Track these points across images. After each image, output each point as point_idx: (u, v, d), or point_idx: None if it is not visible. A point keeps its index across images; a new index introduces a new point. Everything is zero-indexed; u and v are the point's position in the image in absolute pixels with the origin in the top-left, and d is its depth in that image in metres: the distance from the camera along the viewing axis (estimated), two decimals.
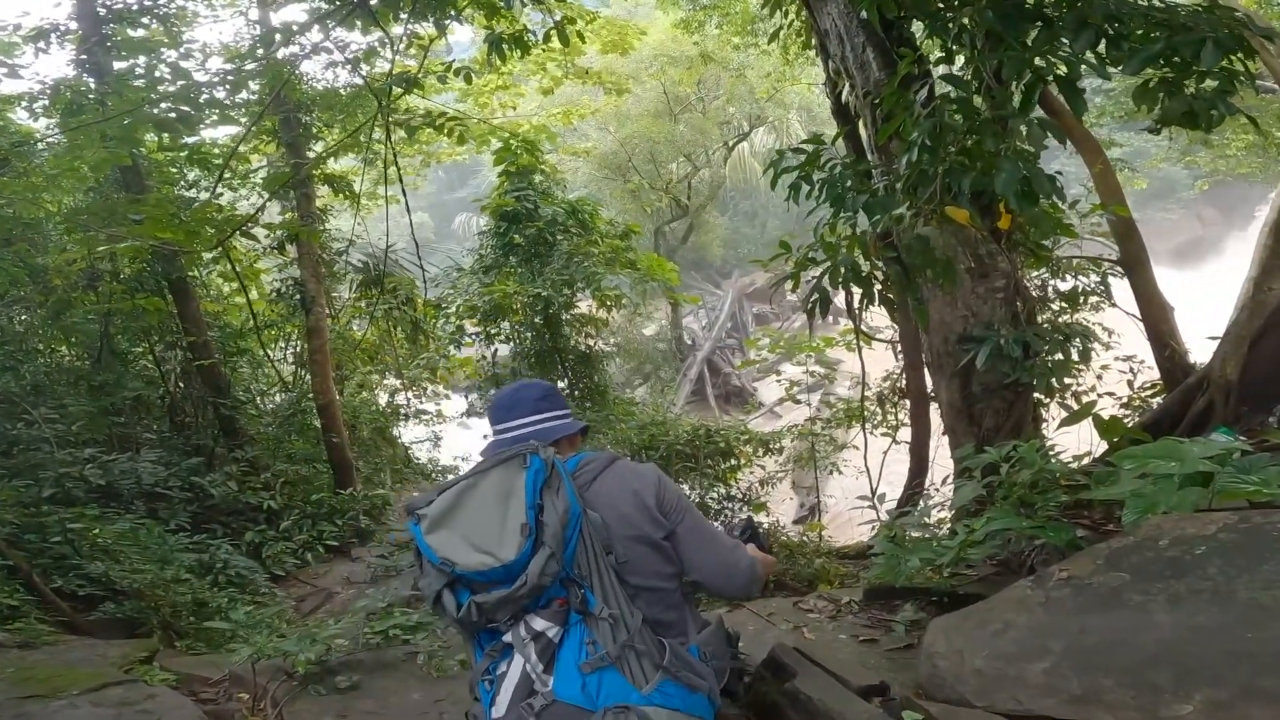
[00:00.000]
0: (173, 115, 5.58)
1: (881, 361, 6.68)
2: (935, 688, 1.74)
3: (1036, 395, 4.28)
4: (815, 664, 1.93)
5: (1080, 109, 3.31)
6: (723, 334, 21.58)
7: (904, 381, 5.98)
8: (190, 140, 6.66)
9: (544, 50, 12.78)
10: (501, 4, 5.94)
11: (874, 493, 6.12)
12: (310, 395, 8.77)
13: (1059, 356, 3.95)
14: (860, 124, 5.11)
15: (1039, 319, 4.33)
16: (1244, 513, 2.06)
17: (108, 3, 7.14)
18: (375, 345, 11.20)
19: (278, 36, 8.48)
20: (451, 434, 13.07)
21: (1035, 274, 4.68)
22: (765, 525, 5.84)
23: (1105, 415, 3.60)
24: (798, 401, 7.04)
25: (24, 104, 6.68)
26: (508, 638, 1.50)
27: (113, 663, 2.64)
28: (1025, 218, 3.22)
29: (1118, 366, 5.37)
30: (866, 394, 6.19)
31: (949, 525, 3.38)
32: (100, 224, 5.21)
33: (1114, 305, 5.19)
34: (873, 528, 6.91)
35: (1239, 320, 4.35)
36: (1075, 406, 4.75)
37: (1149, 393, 5.44)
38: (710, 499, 6.28)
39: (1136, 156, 17.73)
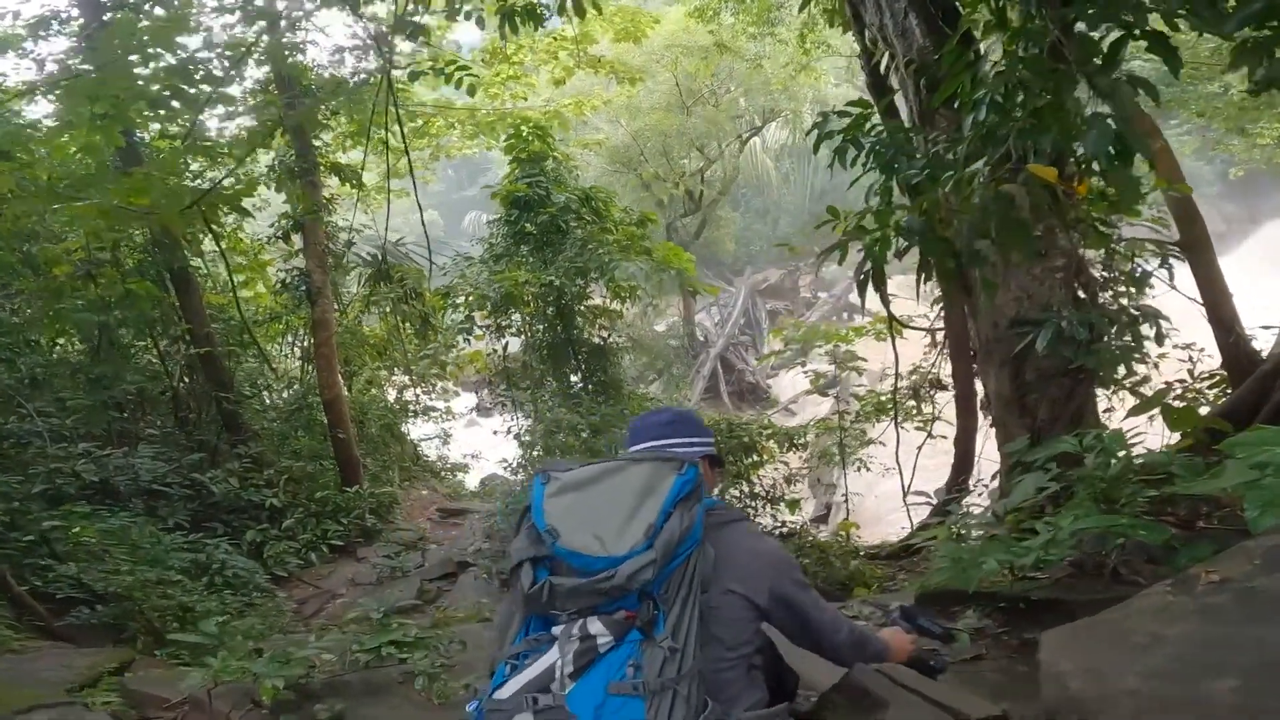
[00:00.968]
0: (167, 94, 5.32)
1: (911, 354, 6.32)
2: (1073, 713, 1.40)
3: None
4: (913, 690, 1.58)
5: (1176, 67, 2.95)
6: (736, 330, 21.22)
7: (939, 372, 5.62)
8: (190, 124, 6.36)
9: (555, 39, 12.60)
10: None
11: (906, 490, 5.78)
12: (316, 390, 8.50)
13: (1128, 340, 3.59)
14: (901, 95, 4.78)
15: (1102, 300, 3.96)
16: None
17: None
18: (384, 340, 10.95)
19: (283, 22, 8.25)
20: (460, 432, 12.82)
21: (1094, 255, 4.31)
22: (798, 525, 5.49)
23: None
24: (824, 394, 6.68)
25: (26, 97, 6.46)
26: (556, 630, 1.37)
27: (78, 674, 2.33)
28: (1113, 182, 2.85)
29: (1175, 355, 4.98)
30: (898, 387, 5.84)
31: (1009, 525, 3.02)
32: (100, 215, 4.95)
33: (1174, 289, 4.81)
34: (903, 529, 6.56)
35: None
36: (1131, 398, 4.39)
37: (1209, 383, 5.06)
38: (731, 496, 5.95)
39: None
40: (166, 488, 6.27)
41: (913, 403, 5.88)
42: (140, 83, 5.52)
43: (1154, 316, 3.70)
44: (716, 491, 1.81)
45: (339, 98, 8.67)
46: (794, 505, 5.83)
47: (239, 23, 6.58)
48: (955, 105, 3.35)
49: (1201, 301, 4.98)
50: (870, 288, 2.80)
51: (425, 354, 10.35)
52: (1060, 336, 3.55)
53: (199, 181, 8.29)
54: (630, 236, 8.10)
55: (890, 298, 5.21)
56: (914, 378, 5.87)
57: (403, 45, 8.90)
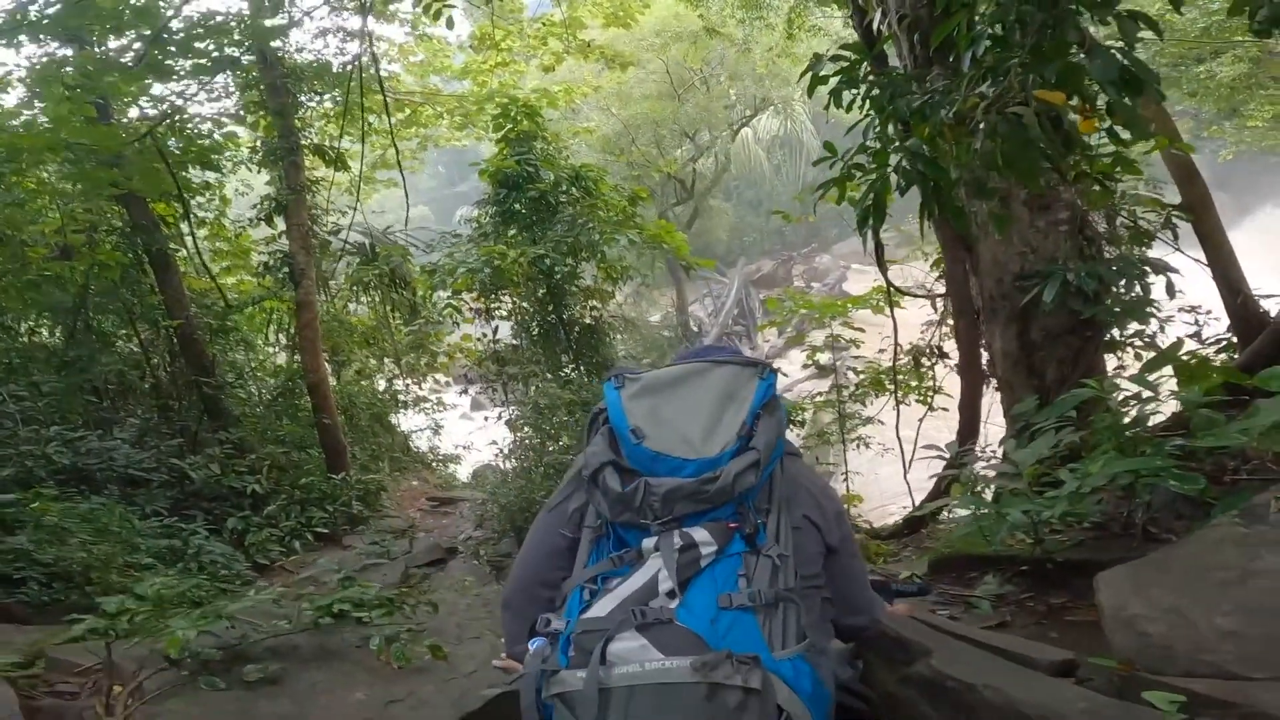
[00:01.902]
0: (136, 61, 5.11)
1: (907, 327, 6.16)
2: (1156, 660, 1.22)
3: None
4: (959, 637, 1.39)
5: (1177, 2, 2.82)
6: (729, 321, 21.08)
7: (939, 338, 5.46)
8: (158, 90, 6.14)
9: (544, 24, 12.41)
10: None
11: (907, 466, 5.62)
12: (300, 375, 8.29)
13: (1138, 293, 3.44)
14: (895, 54, 4.65)
15: (1107, 255, 3.82)
16: None
17: None
18: (371, 328, 10.74)
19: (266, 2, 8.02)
20: (452, 424, 12.62)
21: (1095, 212, 4.17)
22: None
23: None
24: (821, 367, 6.52)
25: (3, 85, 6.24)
26: (649, 543, 1.20)
27: (15, 650, 2.13)
28: (1120, 118, 2.70)
29: (1182, 318, 4.84)
30: (897, 359, 5.68)
31: (1029, 478, 2.85)
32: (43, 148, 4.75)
33: (1179, 250, 4.67)
34: (905, 508, 6.40)
35: None
36: (1139, 360, 4.25)
37: (1216, 347, 4.92)
38: None
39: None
40: (145, 474, 6.06)
41: (913, 379, 5.71)
42: (113, 54, 5.32)
43: (1164, 269, 3.56)
44: None
45: (321, 80, 8.49)
46: None
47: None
48: (951, 56, 3.22)
49: (1206, 262, 4.85)
50: (870, 229, 2.63)
51: (411, 330, 10.13)
52: (1068, 289, 3.40)
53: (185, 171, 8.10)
54: (621, 212, 7.92)
55: (888, 264, 5.08)
56: (913, 346, 5.70)
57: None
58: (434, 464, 11.29)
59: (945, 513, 4.24)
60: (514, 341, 8.62)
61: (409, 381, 11.18)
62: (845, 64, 3.18)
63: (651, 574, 1.16)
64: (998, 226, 2.99)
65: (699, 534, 1.18)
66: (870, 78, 3.30)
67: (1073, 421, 2.68)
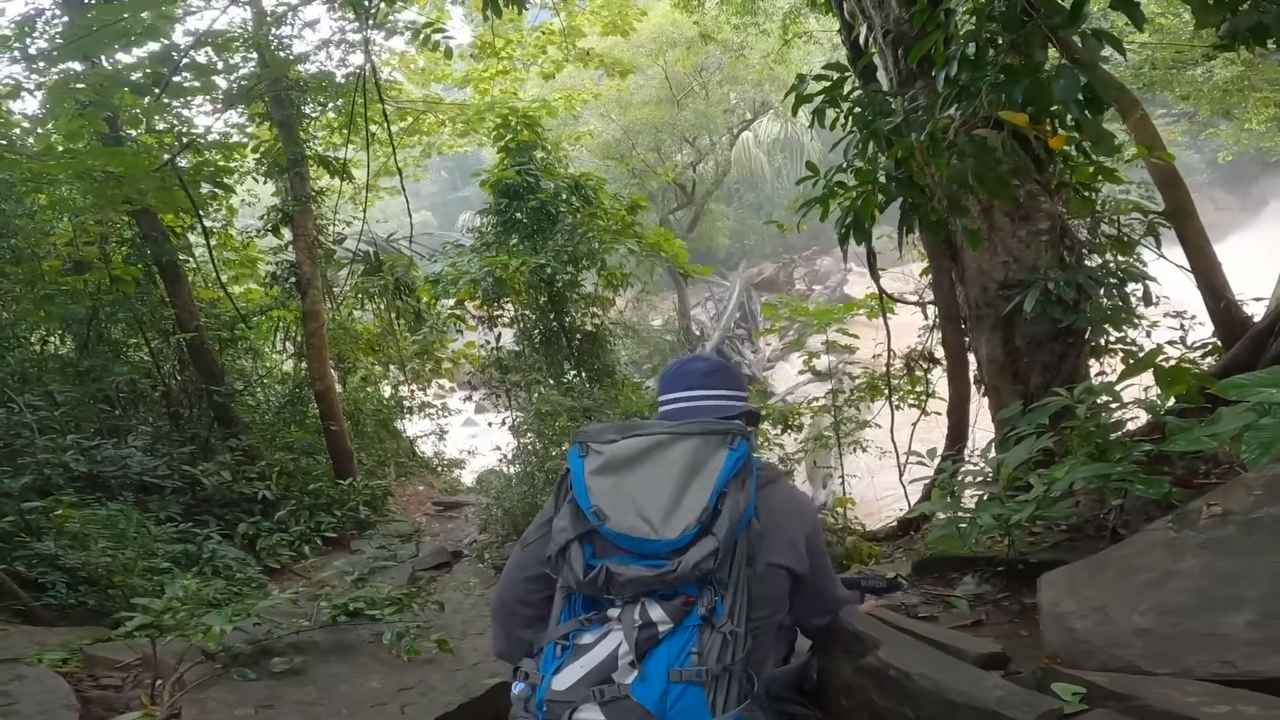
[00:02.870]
0: (151, 82, 5.26)
1: (904, 333, 6.28)
2: (1078, 655, 1.35)
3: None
4: (906, 631, 1.54)
5: (1139, 20, 2.96)
6: (731, 324, 21.20)
7: (932, 344, 5.58)
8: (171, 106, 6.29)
9: (543, 33, 12.58)
10: None
11: (902, 469, 5.73)
12: (308, 383, 8.45)
13: (1117, 301, 3.56)
14: (881, 68, 4.78)
15: (1088, 264, 3.94)
16: None
17: None
18: (377, 336, 10.91)
19: (268, 16, 8.19)
20: (457, 429, 12.76)
21: (1078, 221, 4.29)
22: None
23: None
24: (817, 373, 6.64)
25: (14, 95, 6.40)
26: (614, 613, 1.33)
27: (48, 649, 2.28)
28: (1086, 133, 2.84)
29: (1167, 323, 4.95)
30: (891, 364, 5.80)
31: (1004, 482, 2.98)
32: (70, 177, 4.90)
33: (1162, 256, 4.78)
34: (901, 509, 6.52)
35: None
36: (1121, 366, 4.37)
37: (1201, 352, 5.03)
38: None
39: None
40: (158, 481, 6.22)
41: (908, 383, 5.83)
42: (123, 70, 5.48)
43: (1141, 277, 3.68)
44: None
45: (324, 91, 8.65)
46: (785, 477, 5.77)
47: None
48: (932, 71, 3.35)
49: (1190, 269, 4.95)
50: (854, 243, 2.77)
51: (415, 339, 10.29)
52: (1048, 298, 3.52)
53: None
54: (620, 221, 8.06)
55: (880, 272, 5.20)
56: (908, 351, 5.82)
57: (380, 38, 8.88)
58: (439, 469, 11.43)
59: (927, 512, 4.36)
60: (516, 348, 8.77)
61: (414, 388, 11.33)
62: (828, 83, 3.31)
63: (613, 647, 1.30)
64: (972, 242, 3.12)
65: (656, 613, 1.30)
66: (854, 95, 3.43)
67: (1048, 428, 2.80)
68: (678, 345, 18.68)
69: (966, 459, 4.58)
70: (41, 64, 5.83)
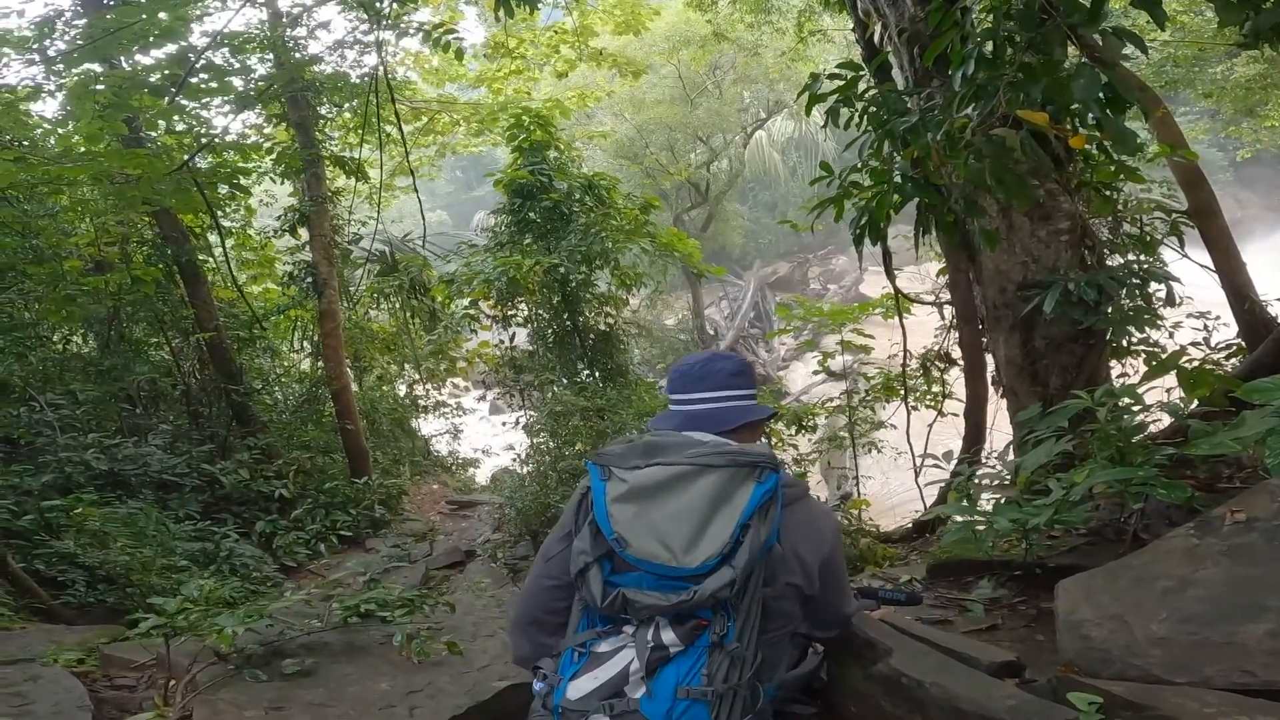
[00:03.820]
0: (169, 84, 5.33)
1: (920, 333, 6.22)
2: (1094, 663, 1.32)
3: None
4: (917, 638, 1.52)
5: (1161, 18, 2.90)
6: (745, 324, 21.13)
7: (948, 345, 5.52)
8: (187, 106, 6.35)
9: (555, 32, 12.59)
10: None
11: (918, 471, 5.68)
12: (324, 383, 8.52)
13: (1139, 302, 3.50)
14: (895, 67, 4.74)
15: (1109, 264, 3.87)
16: None
17: None
18: (392, 335, 10.98)
19: (284, 16, 8.25)
20: (471, 428, 12.82)
21: (1098, 220, 4.22)
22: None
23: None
24: (832, 373, 6.59)
25: (35, 97, 6.51)
26: (629, 629, 1.39)
27: (65, 647, 2.31)
28: (1107, 133, 2.78)
29: (1190, 324, 4.86)
30: (906, 364, 5.74)
31: (1021, 485, 2.94)
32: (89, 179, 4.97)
33: (1185, 256, 4.69)
34: (917, 511, 6.46)
35: None
36: (1145, 366, 4.30)
37: (1225, 354, 4.94)
38: None
39: None
40: (178, 479, 6.29)
41: (923, 384, 5.77)
42: (142, 71, 5.55)
43: (1164, 277, 3.61)
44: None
45: (339, 91, 8.72)
46: (800, 478, 5.73)
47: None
48: (948, 70, 3.31)
49: (1214, 269, 4.86)
50: (869, 244, 2.74)
51: (430, 340, 10.35)
52: (1068, 299, 3.47)
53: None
54: (634, 220, 8.05)
55: (897, 271, 5.15)
56: (924, 352, 5.76)
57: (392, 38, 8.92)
58: (453, 467, 11.49)
59: (943, 515, 4.31)
60: (530, 348, 8.78)
61: (429, 387, 11.40)
62: (842, 82, 3.27)
63: (625, 663, 1.36)
64: (988, 243, 3.08)
65: (668, 635, 1.34)
66: (869, 94, 3.39)
67: (1068, 431, 2.76)
68: (691, 345, 18.64)
69: (983, 461, 4.53)
70: (61, 66, 5.92)
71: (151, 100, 5.77)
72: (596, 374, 8.08)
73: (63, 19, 6.97)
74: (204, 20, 7.07)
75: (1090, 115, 2.55)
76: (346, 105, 9.16)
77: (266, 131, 9.23)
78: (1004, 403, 4.41)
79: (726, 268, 26.14)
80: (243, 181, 6.60)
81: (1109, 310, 3.50)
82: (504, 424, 9.42)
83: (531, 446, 7.63)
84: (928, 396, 5.93)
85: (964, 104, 2.70)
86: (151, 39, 5.61)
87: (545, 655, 1.52)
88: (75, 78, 6.08)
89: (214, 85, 5.95)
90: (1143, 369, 4.21)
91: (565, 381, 7.87)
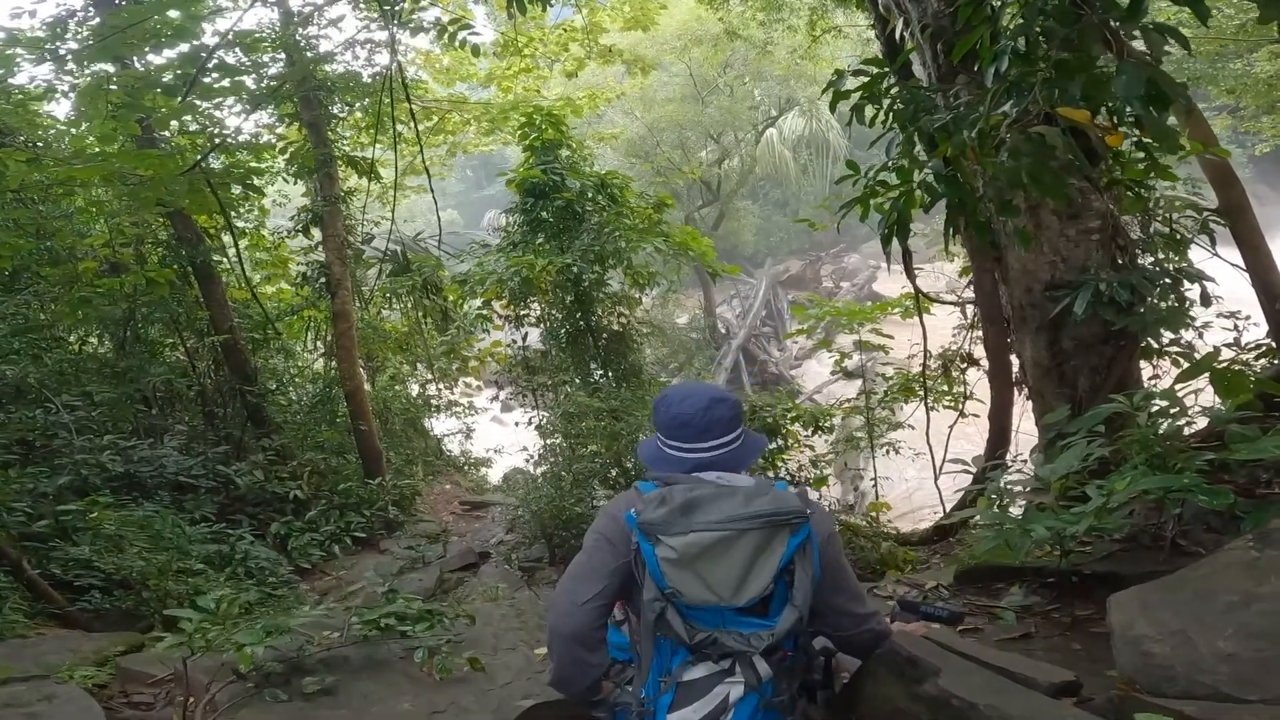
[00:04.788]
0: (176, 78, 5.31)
1: (938, 333, 6.13)
2: (1157, 681, 1.26)
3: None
4: (965, 655, 1.45)
5: (1204, 14, 2.80)
6: (757, 322, 21.01)
7: (969, 346, 5.42)
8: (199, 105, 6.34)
9: (565, 30, 12.54)
10: None
11: (937, 473, 5.59)
12: (338, 383, 8.51)
13: (1172, 302, 3.40)
14: (918, 63, 4.65)
15: (1141, 264, 3.78)
16: None
17: None
18: (405, 335, 10.97)
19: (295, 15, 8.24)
20: (484, 427, 12.80)
21: (1128, 218, 4.12)
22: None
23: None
24: (848, 373, 6.51)
25: (48, 96, 6.51)
26: (723, 664, 1.56)
27: (81, 657, 2.27)
28: (1148, 131, 2.69)
29: (1220, 324, 4.75)
30: (926, 365, 5.65)
31: (1056, 491, 2.86)
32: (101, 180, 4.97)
33: (1215, 255, 4.58)
34: (936, 513, 6.36)
35: None
36: (1175, 369, 4.19)
37: (1256, 353, 4.82)
38: None
39: None
40: (193, 480, 6.29)
41: (944, 384, 5.68)
42: (154, 71, 5.53)
43: (1198, 277, 3.51)
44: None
45: (351, 91, 8.69)
46: (821, 483, 5.67)
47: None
48: (975, 67, 3.22)
49: (1245, 268, 4.75)
50: (896, 242, 2.66)
51: (443, 340, 10.33)
52: (1099, 299, 3.37)
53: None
54: (646, 219, 7.99)
55: (916, 271, 5.06)
56: (943, 352, 5.67)
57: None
58: (466, 467, 11.47)
59: (973, 522, 4.23)
60: (543, 348, 8.74)
61: (441, 386, 11.38)
62: (867, 79, 3.20)
63: (724, 695, 1.54)
64: (1023, 242, 2.99)
65: (763, 668, 1.54)
66: (893, 91, 3.31)
67: (1102, 435, 2.68)
68: (703, 343, 18.57)
69: (1009, 464, 4.44)
70: (72, 65, 5.92)
71: (164, 100, 5.77)
72: (610, 374, 8.02)
73: (75, 19, 6.99)
74: (215, 20, 7.08)
75: (1130, 112, 2.47)
76: (358, 104, 9.15)
77: (279, 131, 9.23)
78: (1028, 405, 4.33)
79: (739, 267, 26.07)
80: (256, 182, 6.58)
81: (1142, 311, 3.41)
82: (516, 424, 9.39)
83: (545, 447, 7.59)
84: (946, 397, 5.84)
85: (998, 101, 2.62)
86: (164, 38, 5.60)
87: (590, 677, 1.64)
88: (88, 77, 6.09)
89: (226, 85, 5.94)
90: (1171, 370, 4.11)
91: (578, 382, 7.82)
